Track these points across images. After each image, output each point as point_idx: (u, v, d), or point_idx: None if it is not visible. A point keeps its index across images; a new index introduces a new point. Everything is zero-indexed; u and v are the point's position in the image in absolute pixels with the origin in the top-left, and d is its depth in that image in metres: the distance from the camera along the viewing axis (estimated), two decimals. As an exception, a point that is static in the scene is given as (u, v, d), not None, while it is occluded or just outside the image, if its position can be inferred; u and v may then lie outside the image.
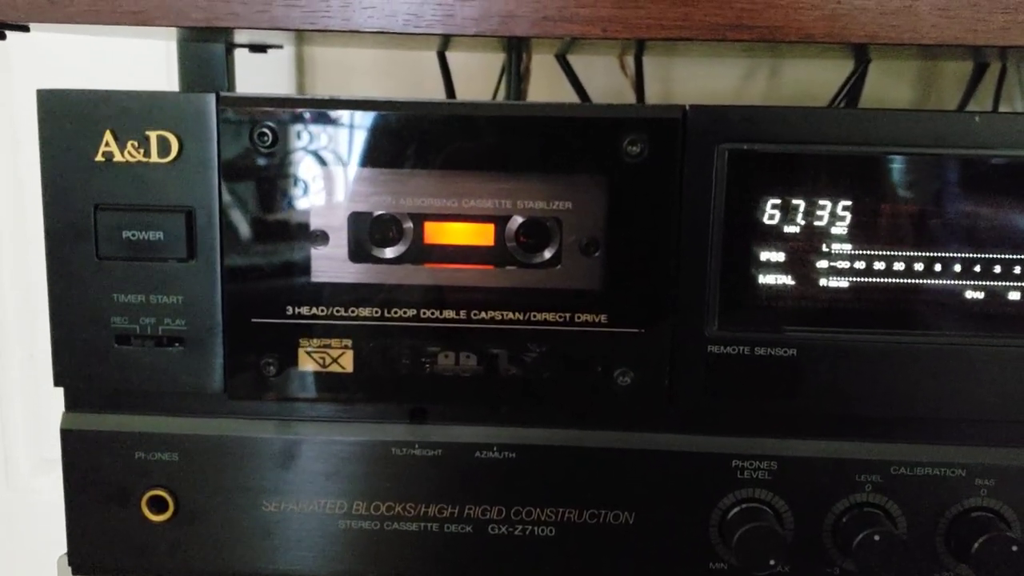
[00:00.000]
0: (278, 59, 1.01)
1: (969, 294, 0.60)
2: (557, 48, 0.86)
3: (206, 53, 0.87)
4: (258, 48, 0.94)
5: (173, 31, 0.68)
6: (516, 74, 0.93)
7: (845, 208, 0.59)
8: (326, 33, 0.57)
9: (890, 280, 0.60)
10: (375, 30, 0.56)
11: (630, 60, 0.97)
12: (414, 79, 1.02)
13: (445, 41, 0.79)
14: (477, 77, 1.00)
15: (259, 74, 0.97)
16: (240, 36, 0.79)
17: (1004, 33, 0.54)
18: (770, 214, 0.59)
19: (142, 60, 1.00)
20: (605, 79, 0.99)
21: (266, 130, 0.59)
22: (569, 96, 0.90)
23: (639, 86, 0.96)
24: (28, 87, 1.04)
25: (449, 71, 0.94)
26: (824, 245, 0.59)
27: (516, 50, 0.89)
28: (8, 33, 0.60)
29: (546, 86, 0.97)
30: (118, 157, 0.59)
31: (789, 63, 1.01)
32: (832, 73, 0.96)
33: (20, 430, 1.15)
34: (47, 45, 1.02)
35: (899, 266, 0.60)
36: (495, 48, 0.88)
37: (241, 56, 0.92)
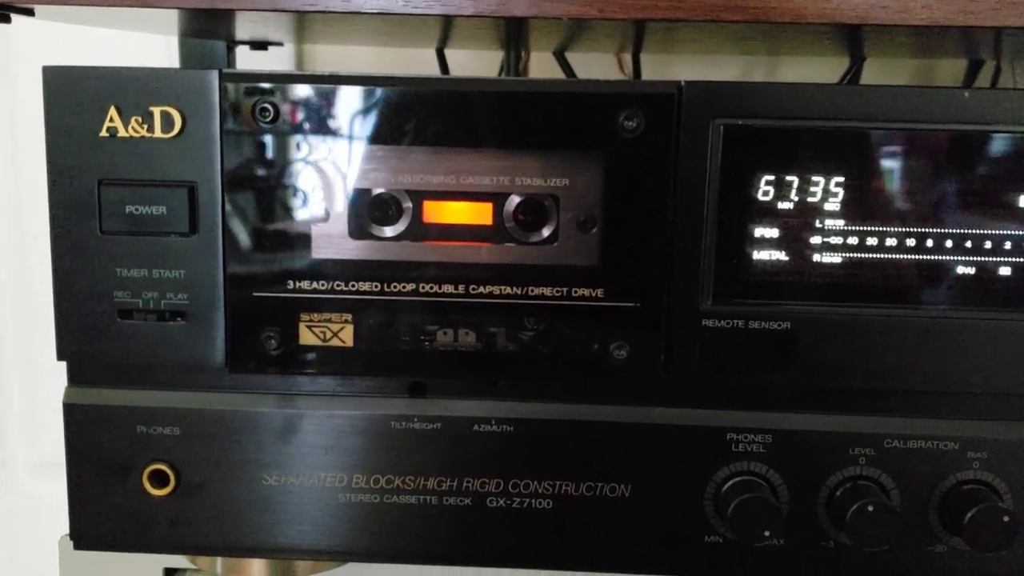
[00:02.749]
0: (279, 58, 1.02)
1: (961, 269, 0.61)
2: (555, 44, 0.87)
3: (207, 50, 0.88)
4: (259, 45, 0.95)
5: (175, 22, 0.69)
6: (515, 72, 0.94)
7: (838, 184, 0.60)
8: (326, 16, 0.58)
9: (883, 255, 0.61)
10: (375, 11, 0.56)
11: (627, 58, 0.98)
12: (413, 78, 1.03)
13: (444, 35, 0.79)
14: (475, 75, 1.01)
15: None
16: (241, 31, 0.80)
17: (994, 14, 0.55)
18: (764, 189, 0.60)
19: (143, 60, 1.01)
20: (602, 77, 1.00)
21: (267, 106, 0.60)
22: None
23: (636, 84, 0.97)
24: (27, 90, 1.06)
25: (448, 69, 0.95)
26: (817, 220, 0.60)
27: (514, 46, 0.90)
28: (14, 18, 0.61)
29: (544, 84, 0.97)
30: (122, 132, 0.60)
31: (785, 62, 1.02)
32: (828, 72, 0.97)
33: (17, 434, 1.16)
34: (46, 48, 1.03)
35: (891, 241, 0.60)
36: (493, 45, 0.89)
37: (242, 55, 0.93)
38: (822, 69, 0.99)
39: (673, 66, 1.02)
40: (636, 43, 0.85)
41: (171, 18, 0.65)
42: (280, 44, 0.98)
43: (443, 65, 0.95)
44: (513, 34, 0.77)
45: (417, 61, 1.01)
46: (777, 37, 0.73)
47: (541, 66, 0.96)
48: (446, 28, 0.71)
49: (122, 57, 0.99)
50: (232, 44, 0.91)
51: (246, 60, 0.94)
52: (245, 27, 0.74)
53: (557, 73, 0.94)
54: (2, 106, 1.07)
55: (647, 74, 0.97)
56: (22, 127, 1.07)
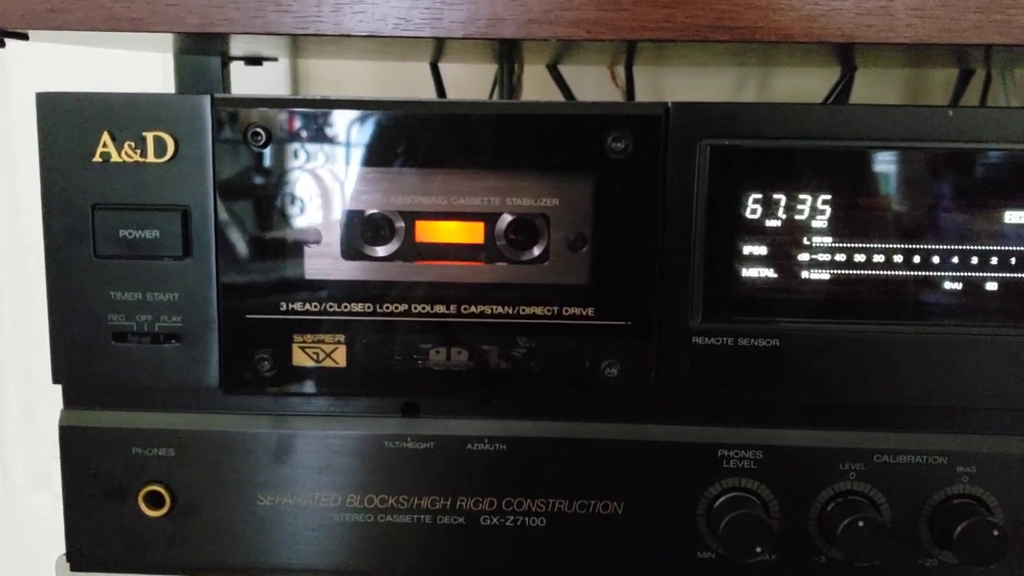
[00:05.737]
0: (274, 74, 1.03)
1: (949, 284, 0.61)
2: (548, 58, 0.88)
3: (202, 66, 0.88)
4: (253, 61, 0.95)
5: (169, 41, 0.69)
6: (508, 85, 0.94)
7: (825, 202, 0.60)
8: (318, 38, 0.58)
9: (871, 272, 0.61)
10: (365, 33, 0.57)
11: (620, 71, 0.98)
12: (407, 92, 1.03)
13: (437, 51, 0.80)
14: (469, 89, 1.01)
15: (254, 88, 0.99)
16: (236, 48, 0.80)
17: (977, 31, 0.55)
18: (752, 208, 0.60)
19: (140, 78, 1.01)
20: (596, 90, 1.00)
21: (259, 130, 0.60)
22: (560, 106, 0.91)
23: (629, 97, 0.97)
24: (25, 105, 1.06)
25: (442, 83, 0.96)
26: (805, 238, 0.61)
27: (508, 60, 0.91)
28: (8, 42, 0.61)
29: (537, 97, 0.98)
30: (115, 157, 0.61)
31: (778, 73, 1.03)
32: (820, 83, 0.98)
33: (17, 445, 1.16)
34: (44, 67, 1.03)
35: (879, 258, 0.61)
36: (487, 59, 0.89)
37: (237, 71, 0.93)
38: (814, 80, 0.99)
39: (665, 78, 1.02)
40: (628, 57, 0.85)
41: (165, 39, 0.65)
42: (274, 59, 0.99)
43: (437, 79, 0.96)
44: (506, 50, 0.77)
45: (412, 75, 1.01)
46: (767, 52, 0.73)
47: (535, 79, 0.96)
48: (439, 45, 0.71)
49: (119, 72, 1.00)
50: (227, 60, 0.92)
51: (241, 75, 0.94)
52: (239, 44, 0.74)
53: (551, 85, 0.94)
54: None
55: (640, 85, 0.98)
56: (20, 141, 1.08)
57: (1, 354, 1.13)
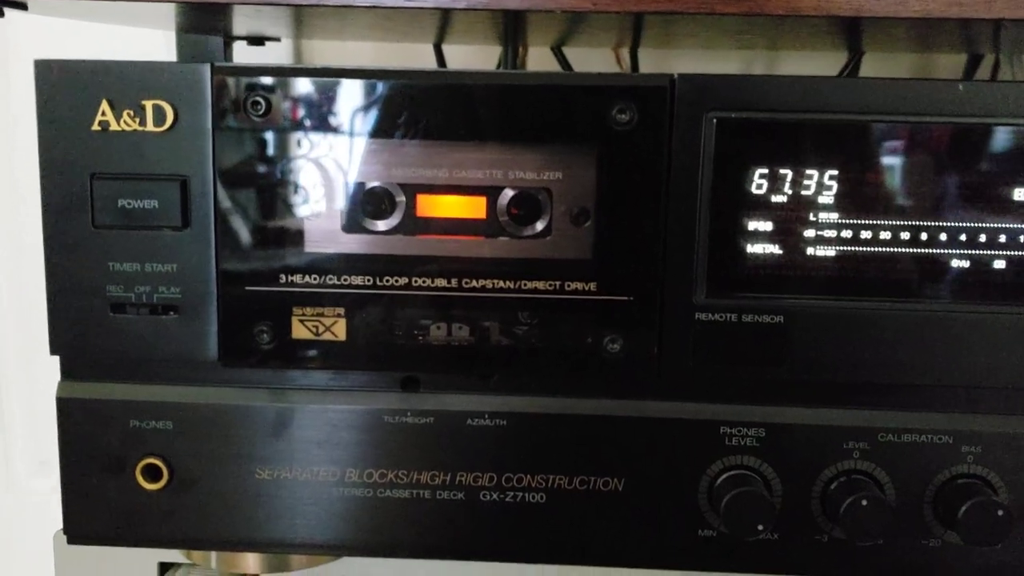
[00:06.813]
0: (276, 55, 1.02)
1: (956, 262, 0.60)
2: (553, 39, 0.87)
3: (205, 47, 0.88)
4: (256, 41, 0.94)
5: (171, 17, 0.68)
6: (513, 67, 0.93)
7: (832, 177, 0.60)
8: (320, 10, 0.58)
9: (877, 248, 0.60)
10: (368, 4, 0.56)
11: (626, 54, 0.98)
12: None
13: (441, 29, 0.79)
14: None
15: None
16: (238, 26, 0.79)
17: (988, 6, 0.55)
18: (758, 182, 0.60)
19: (143, 57, 1.01)
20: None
21: (259, 99, 0.59)
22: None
23: (634, 79, 0.96)
24: (25, 90, 1.05)
25: (446, 64, 0.95)
26: (811, 213, 0.60)
27: (512, 41, 0.90)
28: (13, 20, 0.61)
29: (542, 79, 0.97)
30: (114, 126, 0.60)
31: (785, 58, 1.02)
32: (828, 67, 0.97)
33: (18, 433, 1.16)
34: (44, 47, 1.03)
35: (885, 235, 0.60)
36: (491, 39, 0.89)
37: (240, 52, 0.93)
38: (822, 63, 0.99)
39: (671, 60, 1.02)
40: (634, 37, 0.85)
41: (166, 12, 0.64)
42: (277, 39, 0.98)
43: (441, 61, 0.95)
44: (510, 29, 0.77)
45: (417, 56, 1.00)
46: (774, 30, 0.72)
47: (539, 61, 0.96)
48: (443, 23, 0.70)
49: (122, 54, 0.99)
50: (229, 39, 0.91)
51: (244, 56, 0.94)
52: (242, 22, 0.74)
53: (555, 68, 0.94)
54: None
55: (645, 69, 0.97)
56: (20, 121, 1.07)
57: (2, 343, 1.13)
